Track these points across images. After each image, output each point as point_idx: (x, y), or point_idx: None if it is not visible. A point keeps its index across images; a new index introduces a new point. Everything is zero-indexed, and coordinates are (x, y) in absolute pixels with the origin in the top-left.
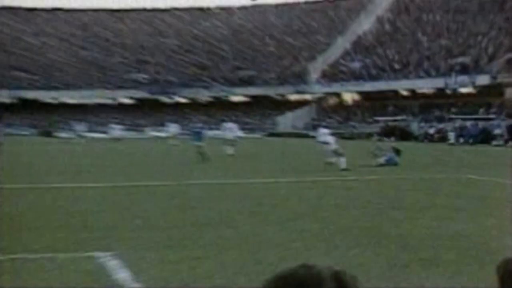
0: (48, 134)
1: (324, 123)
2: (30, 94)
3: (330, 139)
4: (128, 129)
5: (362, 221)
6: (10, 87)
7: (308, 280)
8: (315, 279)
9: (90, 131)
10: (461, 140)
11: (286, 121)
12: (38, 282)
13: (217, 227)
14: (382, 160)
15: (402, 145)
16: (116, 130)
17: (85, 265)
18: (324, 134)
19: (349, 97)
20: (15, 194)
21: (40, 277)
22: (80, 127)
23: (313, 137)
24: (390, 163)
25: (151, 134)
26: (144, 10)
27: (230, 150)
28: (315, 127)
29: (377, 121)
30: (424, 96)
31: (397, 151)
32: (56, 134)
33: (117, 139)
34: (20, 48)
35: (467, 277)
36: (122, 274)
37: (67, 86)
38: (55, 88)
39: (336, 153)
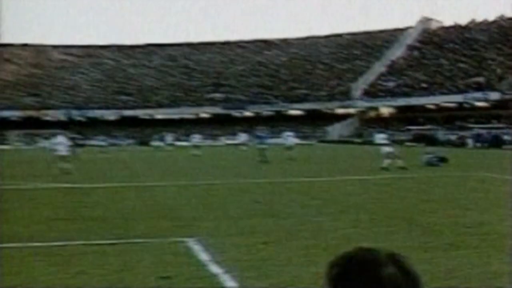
0: (144, 143)
1: (379, 129)
2: (130, 113)
3: (386, 142)
4: (206, 138)
5: (400, 211)
6: (115, 107)
7: (369, 261)
8: (376, 260)
9: (177, 140)
10: (478, 145)
11: (334, 130)
12: (141, 261)
13: (280, 217)
14: (426, 161)
15: (429, 149)
16: (197, 139)
17: (174, 248)
18: (381, 138)
19: (385, 110)
20: (120, 191)
21: (142, 257)
22: (169, 137)
23: (357, 143)
24: (432, 164)
25: (225, 142)
26: (218, 42)
27: (288, 154)
28: (359, 135)
29: (409, 130)
30: (446, 109)
31: (443, 159)
32: (150, 143)
33: (197, 147)
34: (123, 76)
35: (485, 258)
36: (204, 256)
37: (159, 105)
38: (150, 107)
39: (391, 155)
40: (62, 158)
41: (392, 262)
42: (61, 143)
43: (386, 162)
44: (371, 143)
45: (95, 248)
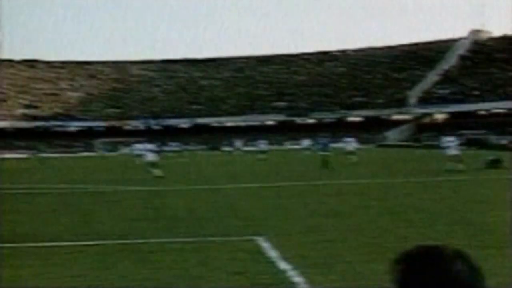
0: (215, 149)
1: (448, 133)
2: (202, 121)
3: (453, 145)
4: (271, 144)
5: (454, 212)
6: (188, 116)
7: (438, 257)
8: (444, 256)
9: (244, 146)
10: None
11: (392, 135)
12: (216, 257)
13: (342, 217)
14: (484, 163)
15: (481, 153)
16: (263, 145)
17: (245, 246)
18: (448, 141)
19: (439, 116)
20: (195, 193)
21: (217, 254)
22: (238, 143)
23: (414, 147)
24: (490, 166)
25: (289, 147)
26: (282, 55)
27: (349, 158)
28: (416, 140)
29: (462, 135)
30: (497, 115)
31: (499, 161)
32: (221, 149)
33: (263, 152)
34: (195, 88)
35: None
36: (272, 253)
37: (228, 113)
38: (219, 115)
39: (456, 157)
40: (150, 163)
41: (459, 258)
42: (148, 149)
43: (450, 164)
44: (428, 147)
45: (173, 245)
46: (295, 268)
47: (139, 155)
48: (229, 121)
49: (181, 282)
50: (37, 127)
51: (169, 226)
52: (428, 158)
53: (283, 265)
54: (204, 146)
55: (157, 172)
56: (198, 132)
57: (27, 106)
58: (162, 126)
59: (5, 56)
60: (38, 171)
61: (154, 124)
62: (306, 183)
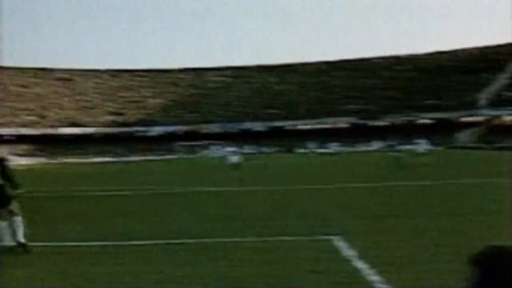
0: (289, 151)
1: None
2: (276, 124)
3: None
4: (343, 146)
5: None
6: (263, 120)
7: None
8: None
9: (318, 148)
10: None
11: (462, 137)
12: (292, 256)
13: (414, 218)
14: None
15: None
16: (335, 147)
17: (321, 245)
18: None
19: (508, 118)
20: (267, 195)
21: (292, 252)
22: (311, 145)
23: (484, 148)
24: None
25: (361, 149)
26: (352, 60)
27: (420, 159)
28: (486, 142)
29: None
30: None
31: None
32: (295, 151)
33: (336, 153)
34: (269, 92)
35: None
36: (348, 252)
37: (301, 117)
38: (293, 118)
39: None
40: (231, 165)
41: None
42: (228, 151)
43: None
44: (498, 148)
45: (250, 244)
46: (371, 267)
47: (218, 157)
48: (303, 124)
49: (259, 280)
50: (122, 133)
51: (247, 226)
52: (499, 159)
53: (359, 264)
54: (278, 149)
55: (236, 173)
56: (273, 135)
57: (113, 113)
58: (239, 129)
59: (91, 66)
60: (122, 174)
61: (231, 128)
62: (379, 184)
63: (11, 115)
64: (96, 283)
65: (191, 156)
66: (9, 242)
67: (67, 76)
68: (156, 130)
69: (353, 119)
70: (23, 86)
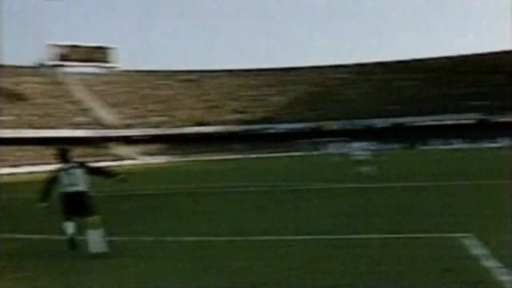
0: (411, 148)
1: None
2: (398, 120)
3: None
4: (467, 142)
5: None
6: (385, 116)
7: None
8: None
9: (441, 144)
10: None
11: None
12: (423, 253)
13: None
14: None
15: None
16: (458, 143)
17: (450, 243)
18: None
19: None
20: (394, 191)
21: (423, 250)
22: (434, 141)
23: None
24: None
25: (485, 145)
26: (476, 54)
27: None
28: None
29: None
30: None
31: None
32: (417, 147)
33: (459, 150)
34: (390, 89)
35: None
36: (477, 251)
37: (423, 113)
38: (415, 114)
39: None
40: (359, 161)
41: None
42: (360, 148)
43: None
44: None
45: (379, 241)
46: (501, 267)
47: (343, 154)
48: (425, 120)
49: (390, 277)
50: (246, 131)
51: (374, 222)
52: None
53: (489, 263)
54: (400, 145)
55: (365, 170)
56: (394, 132)
57: (237, 111)
58: (361, 126)
59: (210, 67)
60: (246, 170)
61: (354, 125)
62: (509, 181)
63: (142, 116)
64: (245, 278)
65: (315, 152)
66: (97, 250)
67: (193, 77)
68: (279, 128)
69: (477, 115)
70: (152, 88)
